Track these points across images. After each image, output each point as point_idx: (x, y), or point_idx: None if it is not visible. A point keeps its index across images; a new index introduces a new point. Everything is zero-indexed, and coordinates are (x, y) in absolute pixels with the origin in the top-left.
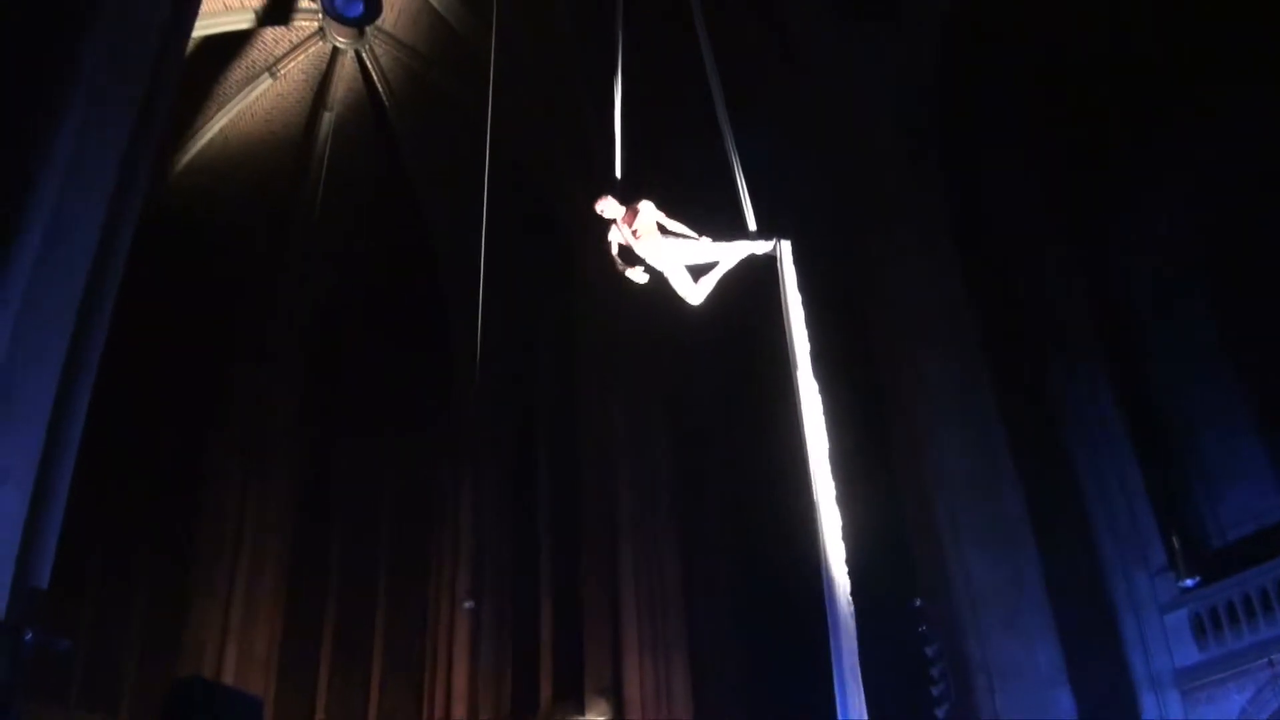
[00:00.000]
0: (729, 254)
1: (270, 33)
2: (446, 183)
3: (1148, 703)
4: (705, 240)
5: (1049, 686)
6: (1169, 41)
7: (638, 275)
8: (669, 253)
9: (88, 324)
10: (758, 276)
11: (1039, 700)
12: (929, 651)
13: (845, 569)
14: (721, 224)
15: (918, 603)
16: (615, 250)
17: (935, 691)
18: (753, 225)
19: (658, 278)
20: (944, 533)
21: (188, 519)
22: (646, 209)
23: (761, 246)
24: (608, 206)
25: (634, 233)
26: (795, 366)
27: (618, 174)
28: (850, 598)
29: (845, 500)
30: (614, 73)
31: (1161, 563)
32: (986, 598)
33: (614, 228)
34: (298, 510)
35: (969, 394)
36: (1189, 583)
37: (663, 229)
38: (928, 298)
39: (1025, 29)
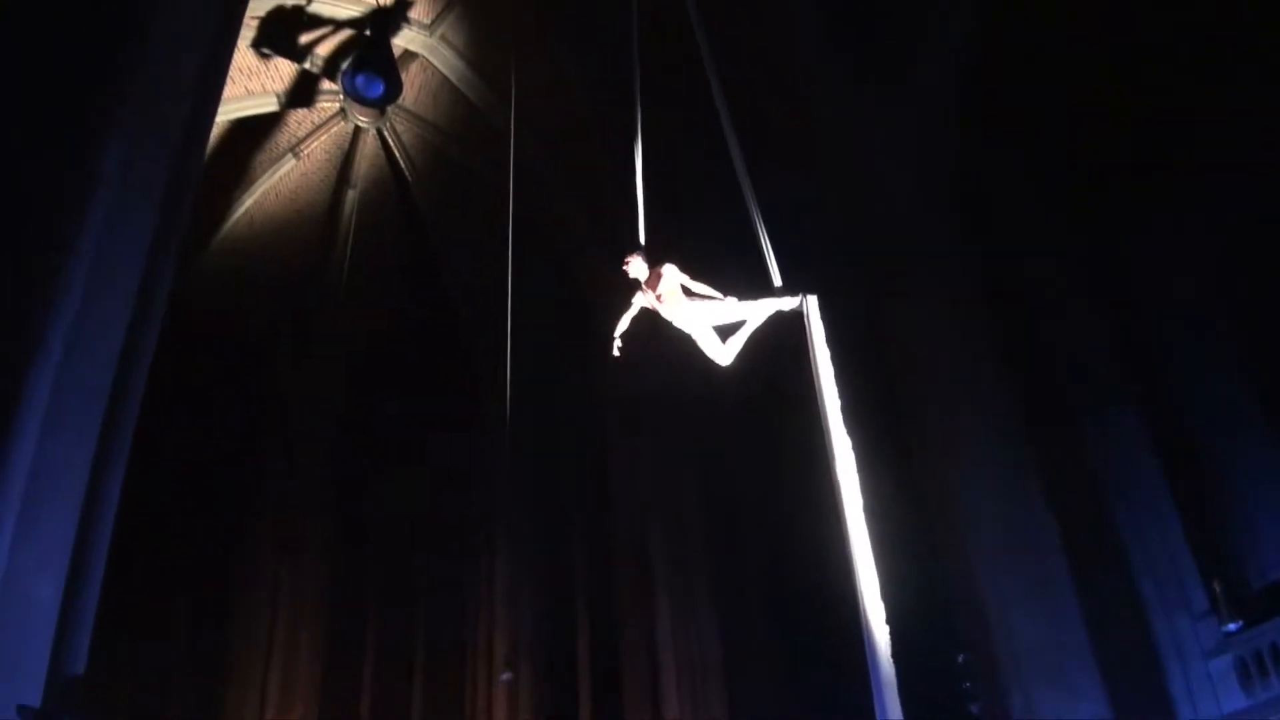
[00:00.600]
0: (755, 312)
1: (293, 115)
2: (470, 252)
3: None
4: (730, 300)
5: None
6: (1184, 67)
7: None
8: (695, 314)
9: (119, 404)
10: (786, 332)
11: None
12: (974, 709)
13: (886, 628)
14: (746, 284)
15: (960, 659)
16: (625, 326)
17: None
18: (778, 281)
19: (686, 338)
20: (984, 588)
21: (222, 601)
22: (670, 272)
23: (788, 303)
24: (635, 266)
25: (658, 297)
26: (826, 422)
27: (641, 239)
28: (891, 658)
29: (881, 557)
30: (633, 138)
31: (1204, 607)
32: (1029, 652)
33: (639, 293)
34: (331, 588)
35: (1002, 446)
36: (1232, 627)
37: (687, 291)
38: (956, 353)
39: (1039, 74)
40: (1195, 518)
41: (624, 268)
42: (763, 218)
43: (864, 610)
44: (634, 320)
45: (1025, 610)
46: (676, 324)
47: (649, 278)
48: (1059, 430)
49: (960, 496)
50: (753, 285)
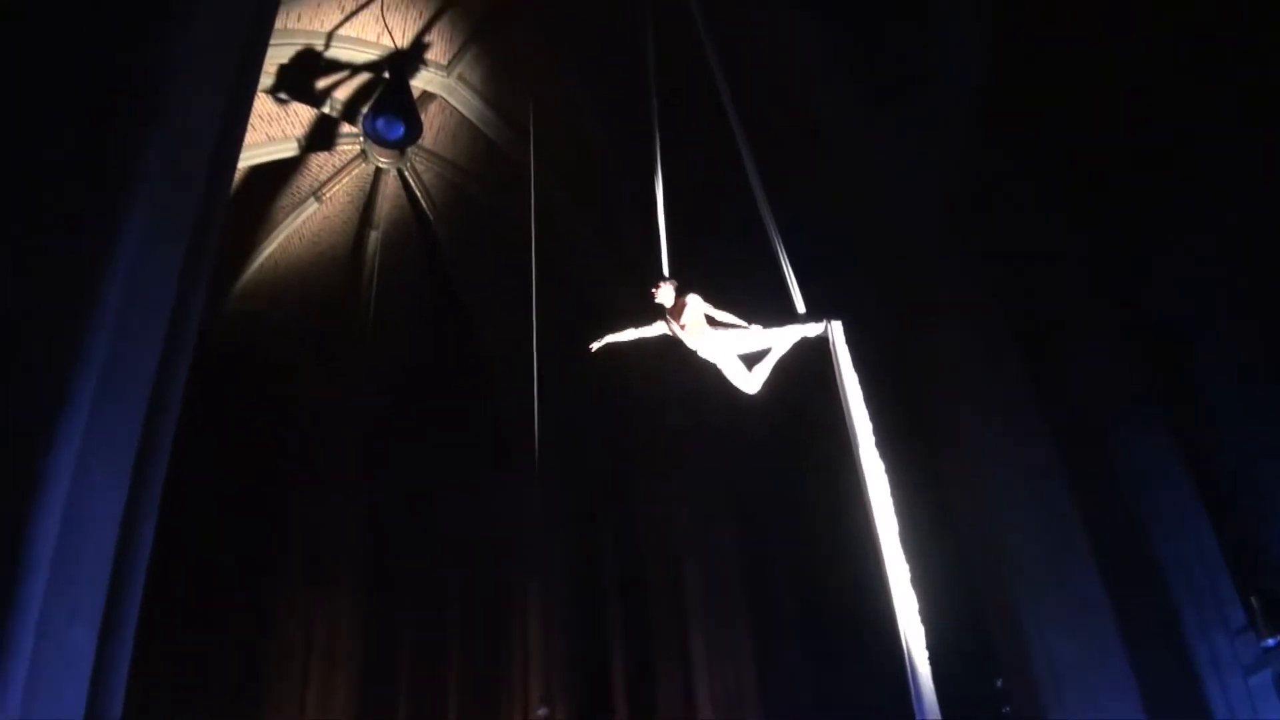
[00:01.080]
0: (780, 339)
1: (314, 159)
2: (493, 288)
3: None
4: (755, 328)
5: None
6: (1196, 73)
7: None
8: (719, 344)
9: (149, 452)
10: (811, 358)
11: None
12: None
13: (926, 656)
14: (769, 312)
15: (999, 684)
16: (624, 338)
17: None
18: (801, 309)
19: (712, 369)
20: (1021, 611)
21: (256, 640)
22: (694, 302)
23: (813, 329)
24: (663, 293)
25: (682, 326)
26: (858, 449)
27: (664, 270)
28: (933, 686)
29: (917, 583)
30: (653, 171)
31: (1241, 623)
32: (1069, 674)
33: (662, 321)
34: (364, 632)
35: (1034, 470)
36: (1270, 642)
37: (711, 321)
38: (983, 375)
39: (1054, 91)
40: (1230, 533)
41: (652, 291)
42: (784, 244)
43: (906, 645)
44: (640, 340)
45: (1063, 632)
46: (701, 354)
47: (674, 306)
48: (1090, 450)
49: (994, 519)
50: (776, 313)
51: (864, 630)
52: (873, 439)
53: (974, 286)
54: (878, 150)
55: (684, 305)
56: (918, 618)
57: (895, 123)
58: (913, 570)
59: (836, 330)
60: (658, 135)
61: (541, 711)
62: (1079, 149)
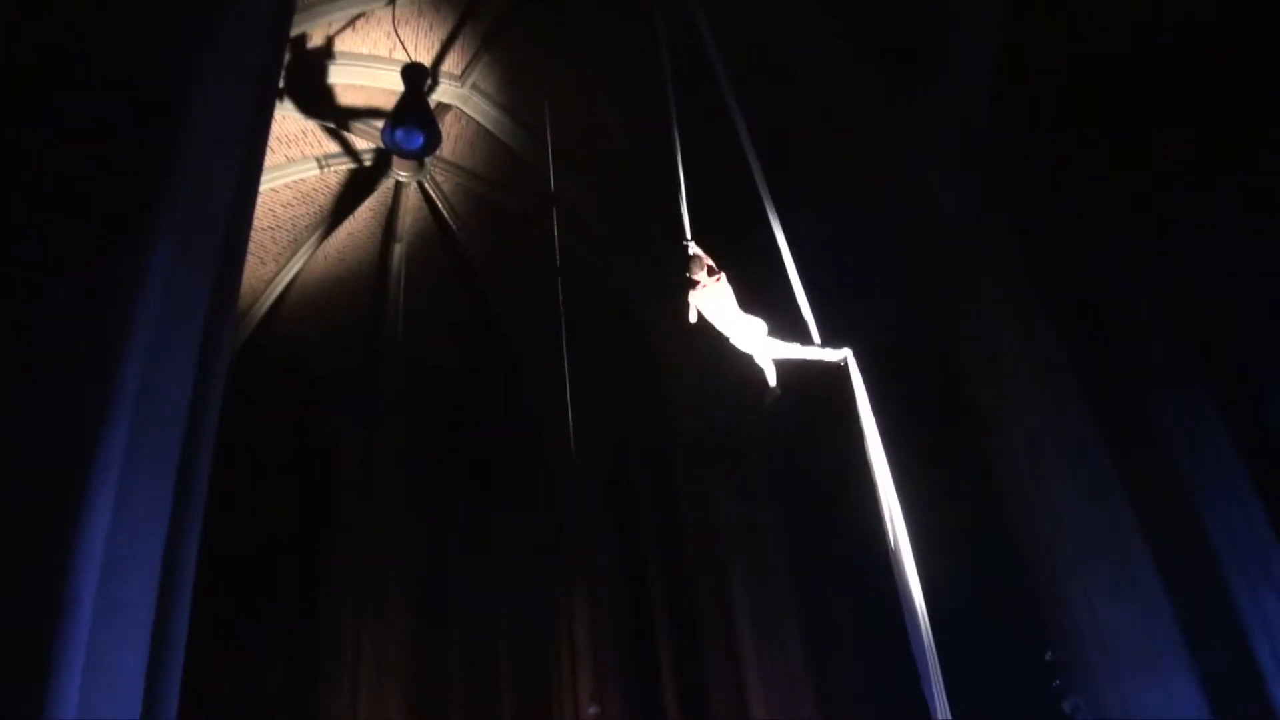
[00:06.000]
0: (791, 354)
1: (334, 177)
2: (521, 295)
3: None
4: (772, 340)
5: None
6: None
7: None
8: (734, 323)
9: (188, 474)
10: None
11: None
12: (1066, 707)
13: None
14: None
15: (1048, 656)
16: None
17: None
18: (817, 340)
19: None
20: (1069, 585)
21: (309, 653)
22: (725, 282)
23: (828, 355)
24: (698, 253)
25: (704, 287)
26: (877, 481)
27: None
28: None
29: (959, 561)
30: (674, 170)
31: None
32: (1119, 644)
33: (694, 274)
34: (415, 639)
35: (1077, 443)
36: None
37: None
38: (1022, 354)
39: (1083, 55)
40: (1274, 493)
41: (687, 245)
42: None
43: (922, 641)
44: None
45: (1111, 601)
46: (710, 317)
47: (707, 271)
48: (1132, 418)
49: (1039, 499)
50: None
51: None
52: (888, 470)
53: (1010, 260)
54: (902, 130)
55: (718, 278)
56: (925, 619)
57: (918, 101)
58: (958, 553)
59: (851, 359)
60: (678, 139)
61: (593, 710)
62: (1111, 113)
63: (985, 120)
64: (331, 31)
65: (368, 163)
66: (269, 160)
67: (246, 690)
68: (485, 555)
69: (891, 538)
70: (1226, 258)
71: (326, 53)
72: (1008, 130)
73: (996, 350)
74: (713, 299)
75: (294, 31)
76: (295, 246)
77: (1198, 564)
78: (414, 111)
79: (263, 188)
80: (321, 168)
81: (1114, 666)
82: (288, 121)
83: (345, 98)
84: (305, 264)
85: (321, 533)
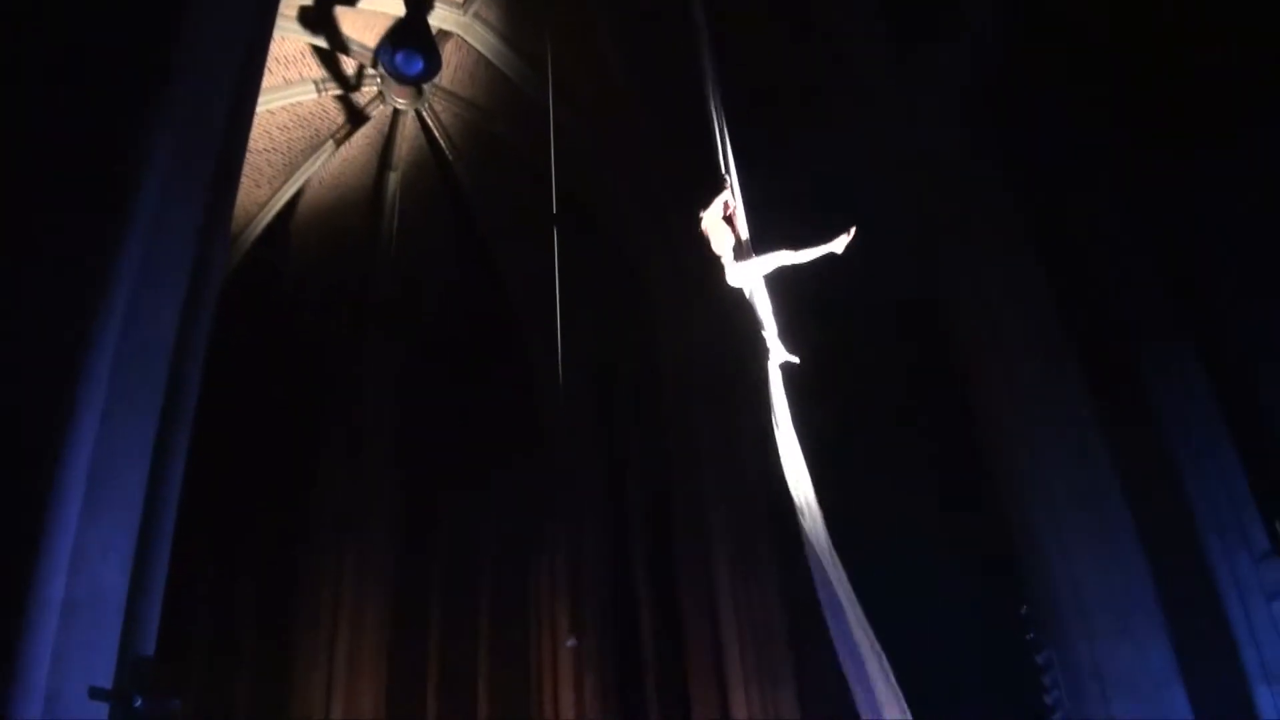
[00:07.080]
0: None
1: (331, 101)
2: (516, 229)
3: (1262, 697)
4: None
5: (1163, 687)
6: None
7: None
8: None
9: (177, 392)
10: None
11: (1154, 702)
12: (1039, 659)
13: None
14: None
15: (1023, 611)
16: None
17: (1048, 700)
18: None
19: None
20: (1047, 539)
21: (288, 578)
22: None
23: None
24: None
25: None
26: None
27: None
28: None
29: (944, 514)
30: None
31: (1265, 548)
32: (1094, 601)
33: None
34: (397, 565)
35: (1062, 399)
36: None
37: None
38: (1014, 311)
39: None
40: (1255, 458)
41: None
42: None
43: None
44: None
45: (1089, 560)
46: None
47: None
48: (1118, 377)
49: (1022, 452)
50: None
51: (889, 554)
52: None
53: (1002, 210)
54: (907, 82)
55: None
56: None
57: (925, 61)
58: (945, 509)
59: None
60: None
61: (571, 641)
62: (1110, 62)
63: (986, 77)
64: None
65: (366, 88)
66: (267, 81)
67: (223, 610)
68: (469, 486)
69: (809, 519)
70: (1227, 232)
71: None
72: (1008, 63)
73: (986, 305)
74: (726, 237)
75: None
76: (290, 171)
77: (1173, 525)
78: (414, 35)
79: (260, 109)
80: (319, 91)
81: (1088, 623)
82: (287, 42)
83: (346, 21)
84: (300, 189)
85: (306, 454)
